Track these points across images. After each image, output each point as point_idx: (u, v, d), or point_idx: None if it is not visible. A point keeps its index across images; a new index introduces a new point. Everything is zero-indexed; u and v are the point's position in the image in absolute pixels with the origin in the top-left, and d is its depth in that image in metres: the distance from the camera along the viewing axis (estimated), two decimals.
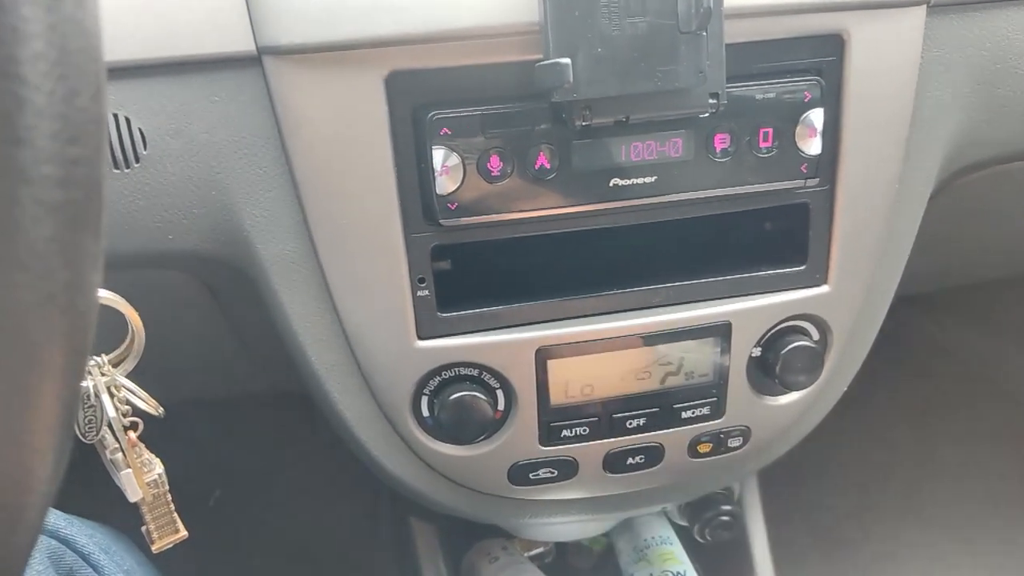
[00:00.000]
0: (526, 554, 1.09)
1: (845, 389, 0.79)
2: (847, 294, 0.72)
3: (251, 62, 0.58)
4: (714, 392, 0.72)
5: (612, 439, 0.73)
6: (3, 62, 0.23)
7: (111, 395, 0.56)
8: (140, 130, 0.58)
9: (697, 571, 0.99)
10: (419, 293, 0.64)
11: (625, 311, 0.69)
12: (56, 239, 0.25)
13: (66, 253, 0.26)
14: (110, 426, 0.56)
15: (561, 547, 1.13)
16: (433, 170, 0.59)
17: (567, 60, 0.54)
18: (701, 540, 0.98)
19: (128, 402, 0.57)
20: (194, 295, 0.73)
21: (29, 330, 0.25)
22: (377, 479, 0.78)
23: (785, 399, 0.75)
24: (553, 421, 0.70)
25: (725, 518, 0.96)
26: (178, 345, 0.78)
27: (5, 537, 0.28)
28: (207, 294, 0.73)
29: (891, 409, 1.53)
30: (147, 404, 0.57)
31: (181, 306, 0.75)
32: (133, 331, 0.56)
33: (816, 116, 0.64)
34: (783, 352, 0.70)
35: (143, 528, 0.63)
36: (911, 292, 0.85)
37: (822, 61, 0.64)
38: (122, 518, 0.67)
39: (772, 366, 0.71)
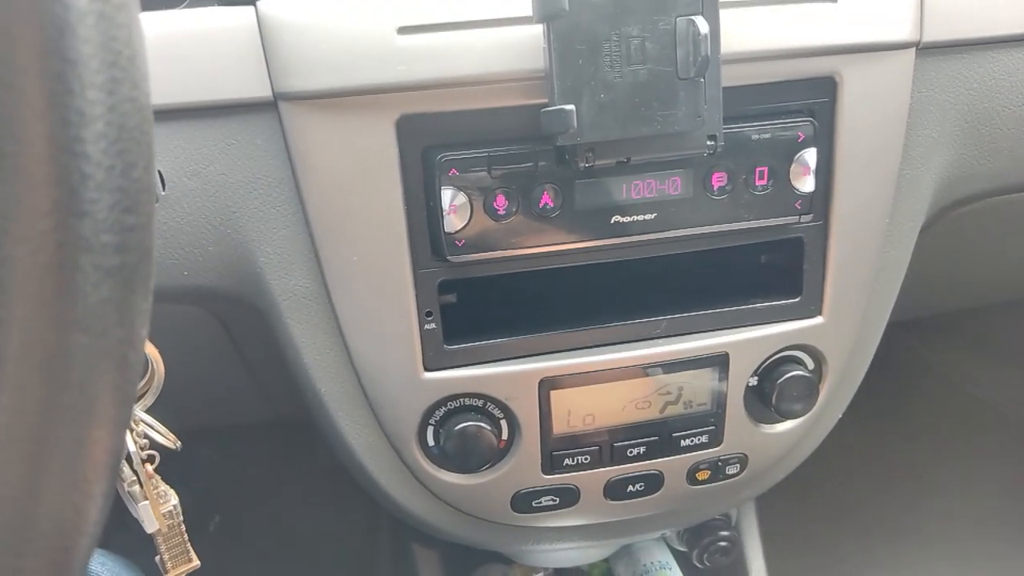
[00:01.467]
0: None
1: (840, 416, 0.81)
2: (841, 325, 0.74)
3: (267, 107, 0.60)
4: (712, 421, 0.74)
5: (613, 467, 0.74)
6: (71, 142, 0.24)
7: (130, 429, 0.57)
8: (159, 171, 0.60)
9: None
10: (426, 326, 0.66)
11: (626, 342, 0.70)
12: (112, 300, 0.27)
13: (120, 312, 0.27)
14: (128, 459, 0.58)
15: (561, 573, 1.14)
16: (441, 209, 0.61)
17: (571, 106, 0.56)
18: (699, 565, 0.99)
19: (146, 435, 0.58)
20: (205, 328, 0.74)
21: (88, 385, 0.27)
22: (379, 504, 0.79)
23: (781, 427, 0.77)
24: (555, 450, 0.72)
25: (723, 543, 0.97)
26: (188, 376, 0.79)
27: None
28: (218, 327, 0.75)
29: (886, 430, 1.54)
30: (165, 438, 0.58)
31: (192, 339, 0.76)
32: (154, 368, 0.57)
33: (810, 155, 0.66)
34: (779, 381, 0.72)
35: (156, 558, 0.64)
36: (904, 318, 0.87)
37: (815, 103, 0.66)
38: (124, 545, 0.69)
39: (768, 395, 0.73)
